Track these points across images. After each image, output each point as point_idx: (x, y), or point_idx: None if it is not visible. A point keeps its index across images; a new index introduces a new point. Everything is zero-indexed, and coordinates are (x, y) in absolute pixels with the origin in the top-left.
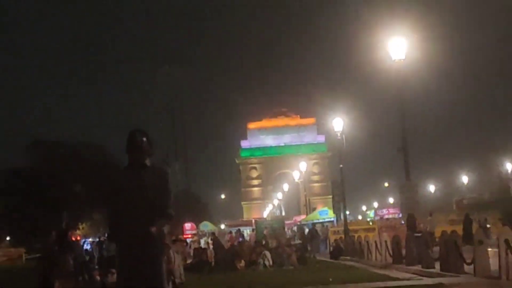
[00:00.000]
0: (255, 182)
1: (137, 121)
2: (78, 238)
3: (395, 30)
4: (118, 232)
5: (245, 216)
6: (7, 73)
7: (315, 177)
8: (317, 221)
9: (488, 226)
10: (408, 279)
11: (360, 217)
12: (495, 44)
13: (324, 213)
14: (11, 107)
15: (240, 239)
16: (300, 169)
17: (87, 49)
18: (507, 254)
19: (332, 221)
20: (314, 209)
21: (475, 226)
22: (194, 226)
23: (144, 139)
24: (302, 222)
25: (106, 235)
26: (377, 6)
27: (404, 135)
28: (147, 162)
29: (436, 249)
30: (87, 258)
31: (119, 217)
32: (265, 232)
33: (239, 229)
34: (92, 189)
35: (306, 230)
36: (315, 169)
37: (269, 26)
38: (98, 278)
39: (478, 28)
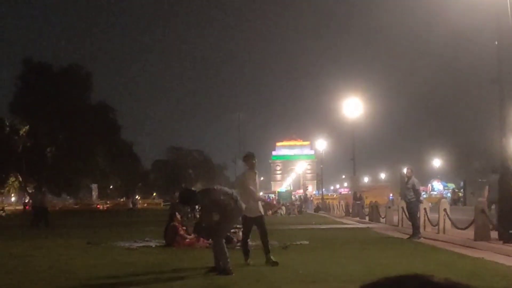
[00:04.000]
0: (278, 172)
1: (215, 138)
2: None
3: (350, 93)
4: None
5: (273, 189)
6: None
7: (308, 171)
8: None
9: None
10: (352, 224)
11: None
12: (412, 103)
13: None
14: (156, 124)
15: (269, 199)
16: (300, 167)
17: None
18: (403, 214)
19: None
20: (307, 187)
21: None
22: None
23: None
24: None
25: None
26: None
27: (354, 151)
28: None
29: (367, 209)
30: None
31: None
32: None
33: (268, 195)
34: (197, 172)
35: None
36: (308, 167)
37: (292, 89)
38: (198, 216)
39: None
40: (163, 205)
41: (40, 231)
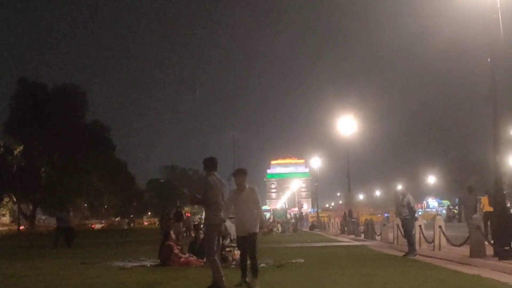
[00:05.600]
0: (273, 190)
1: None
2: (188, 214)
3: (345, 111)
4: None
5: (268, 207)
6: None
7: (303, 189)
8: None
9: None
10: (347, 242)
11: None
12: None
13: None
14: (151, 143)
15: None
16: (295, 185)
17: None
18: (398, 231)
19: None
20: (302, 205)
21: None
22: None
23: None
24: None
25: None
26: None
27: (349, 168)
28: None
29: (362, 227)
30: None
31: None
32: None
33: (264, 213)
34: (193, 191)
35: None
36: (303, 185)
37: (292, 114)
38: (193, 235)
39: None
40: (158, 224)
41: (67, 250)
